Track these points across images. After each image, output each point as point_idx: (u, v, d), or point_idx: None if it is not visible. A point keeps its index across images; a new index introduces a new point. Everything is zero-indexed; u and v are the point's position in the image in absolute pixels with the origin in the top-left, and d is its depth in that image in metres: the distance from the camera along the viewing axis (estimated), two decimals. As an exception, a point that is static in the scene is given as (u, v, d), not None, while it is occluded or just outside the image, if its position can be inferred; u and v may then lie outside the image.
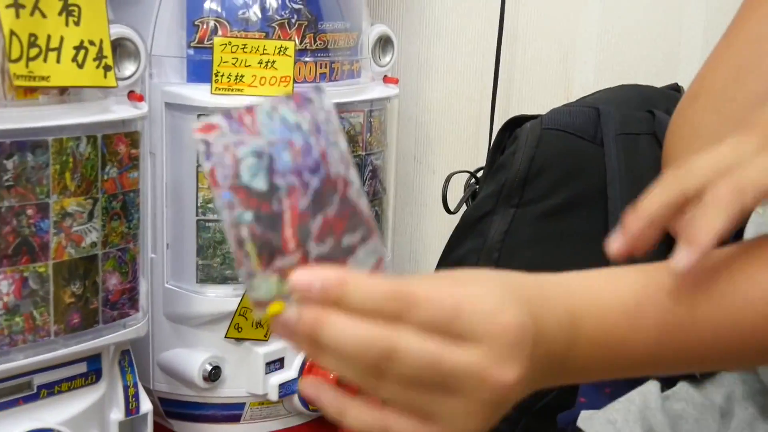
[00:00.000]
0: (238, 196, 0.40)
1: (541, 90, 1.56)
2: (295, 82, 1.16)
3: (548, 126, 1.06)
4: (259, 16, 1.16)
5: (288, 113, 0.42)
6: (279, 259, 0.41)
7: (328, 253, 0.42)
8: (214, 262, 1.19)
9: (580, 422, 0.78)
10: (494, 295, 0.44)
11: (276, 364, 1.23)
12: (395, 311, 0.42)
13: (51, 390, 1.02)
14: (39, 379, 1.01)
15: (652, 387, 0.76)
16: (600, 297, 0.50)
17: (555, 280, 0.50)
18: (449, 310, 0.43)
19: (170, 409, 1.27)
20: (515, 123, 1.13)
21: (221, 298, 1.19)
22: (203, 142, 0.41)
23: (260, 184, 0.41)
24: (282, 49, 1.15)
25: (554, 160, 1.05)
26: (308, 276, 0.41)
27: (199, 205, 1.17)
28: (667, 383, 0.76)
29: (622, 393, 0.79)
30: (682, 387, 0.74)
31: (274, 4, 1.17)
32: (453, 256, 1.14)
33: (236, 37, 1.14)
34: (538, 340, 0.46)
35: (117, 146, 1.02)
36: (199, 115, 1.15)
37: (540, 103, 1.18)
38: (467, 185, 1.28)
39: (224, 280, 1.20)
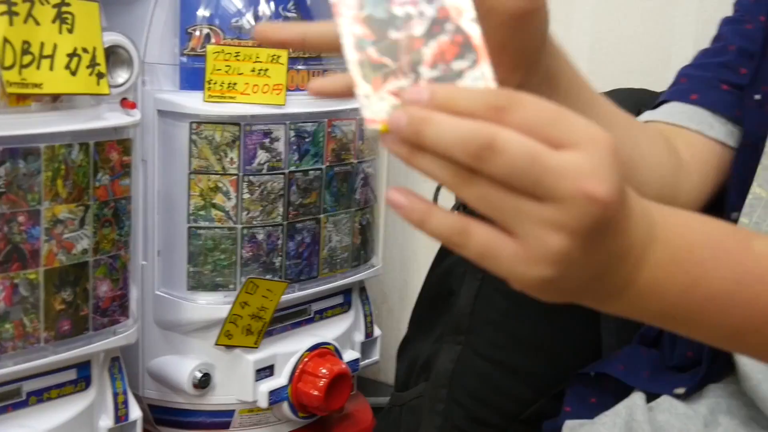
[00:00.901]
0: (360, 25, 0.44)
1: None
2: (287, 90, 1.17)
3: None
4: (253, 23, 1.17)
5: None
6: (393, 82, 0.44)
7: (438, 77, 0.45)
8: (204, 269, 1.19)
9: None
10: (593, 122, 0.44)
11: (266, 371, 1.24)
12: (499, 106, 0.42)
13: (40, 397, 1.02)
14: (28, 386, 1.01)
15: (637, 399, 0.76)
16: (687, 220, 0.50)
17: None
18: (552, 112, 0.42)
19: (160, 416, 1.27)
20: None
21: (212, 305, 1.19)
22: None
23: (381, 13, 0.44)
24: (275, 57, 1.15)
25: None
26: (418, 88, 0.43)
27: (190, 212, 1.17)
28: (651, 396, 0.76)
29: (608, 403, 0.80)
30: (665, 399, 0.75)
31: (267, 12, 1.18)
32: (443, 265, 1.14)
33: (229, 44, 1.15)
34: (628, 196, 0.45)
35: (109, 153, 1.02)
36: (191, 123, 1.15)
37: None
38: (458, 194, 1.29)
39: (215, 287, 1.20)
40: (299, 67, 1.20)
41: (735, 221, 0.75)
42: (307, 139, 1.22)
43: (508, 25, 0.54)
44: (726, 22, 0.82)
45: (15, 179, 0.93)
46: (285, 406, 1.26)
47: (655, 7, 1.48)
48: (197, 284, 1.19)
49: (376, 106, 0.44)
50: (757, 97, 0.74)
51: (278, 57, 1.15)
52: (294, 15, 1.18)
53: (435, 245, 1.20)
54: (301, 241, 1.24)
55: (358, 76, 0.44)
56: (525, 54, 0.56)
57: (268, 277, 1.21)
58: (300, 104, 1.19)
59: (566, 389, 0.85)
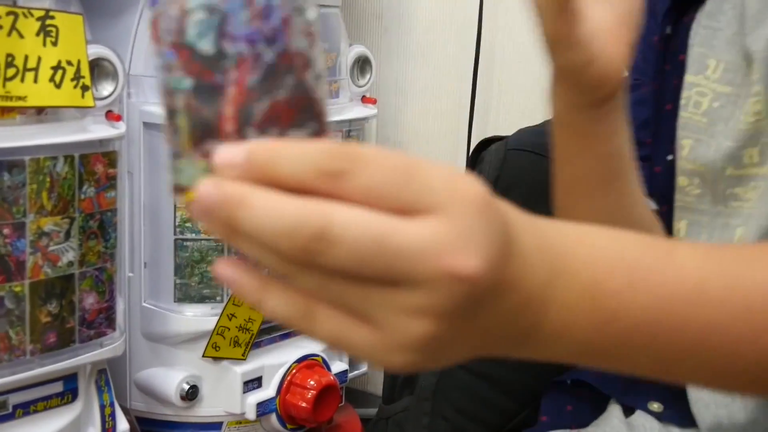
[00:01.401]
0: (179, 57, 0.35)
1: (518, 112, 1.58)
2: (272, 102, 1.17)
3: (513, 146, 1.07)
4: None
5: None
6: (211, 141, 0.35)
7: None
8: (191, 281, 1.19)
9: None
10: (458, 173, 0.36)
11: (254, 383, 1.23)
12: (334, 170, 0.34)
13: (26, 409, 1.02)
14: (14, 399, 1.01)
15: (615, 412, 0.77)
16: (596, 241, 0.42)
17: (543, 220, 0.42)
18: (402, 170, 0.34)
19: (147, 428, 1.26)
20: (486, 145, 1.14)
21: (199, 317, 1.19)
22: None
23: (207, 45, 0.35)
24: (260, 69, 1.16)
25: (519, 180, 1.07)
26: (232, 149, 0.34)
27: (176, 224, 1.18)
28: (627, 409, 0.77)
29: (585, 411, 0.80)
30: (640, 416, 0.75)
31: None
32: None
33: (214, 57, 1.15)
34: (510, 253, 0.37)
35: (94, 166, 1.02)
36: None
37: (518, 124, 1.19)
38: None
39: (202, 299, 1.20)
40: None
41: None
42: (293, 151, 1.23)
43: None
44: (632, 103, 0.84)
45: (0, 192, 0.93)
46: (273, 417, 1.25)
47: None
48: (184, 296, 1.20)
49: (186, 170, 0.35)
50: (670, 157, 0.75)
51: (263, 69, 1.16)
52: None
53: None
54: (287, 253, 1.24)
55: (170, 128, 0.35)
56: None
57: (254, 288, 1.21)
58: (285, 116, 1.20)
59: (542, 397, 0.85)
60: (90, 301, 1.04)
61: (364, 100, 1.35)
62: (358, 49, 1.33)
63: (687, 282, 0.42)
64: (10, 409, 1.00)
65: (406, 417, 1.07)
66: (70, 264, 1.01)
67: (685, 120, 0.71)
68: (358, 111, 1.32)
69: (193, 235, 1.18)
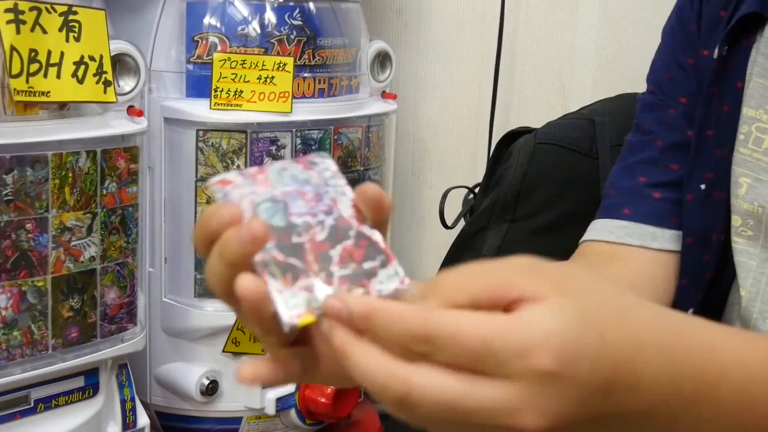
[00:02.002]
0: None
1: (539, 105, 1.57)
2: (293, 97, 1.17)
3: (542, 140, 1.07)
4: (259, 32, 1.17)
5: (297, 171, 0.47)
6: (304, 279, 0.43)
7: (350, 275, 0.44)
8: (212, 277, 1.19)
9: None
10: (543, 322, 0.39)
11: (273, 378, 1.23)
12: (419, 349, 0.40)
13: (48, 404, 1.02)
14: (36, 393, 1.01)
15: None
16: (745, 356, 0.44)
17: (676, 321, 0.44)
18: (477, 349, 0.39)
19: (167, 423, 1.27)
20: (512, 137, 1.13)
21: (219, 313, 1.19)
22: (221, 191, 0.45)
23: (279, 221, 0.44)
24: (281, 64, 1.16)
25: (548, 175, 1.06)
26: (339, 303, 0.41)
27: (197, 219, 1.18)
28: None
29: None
30: None
31: (273, 20, 1.18)
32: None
33: (235, 52, 1.15)
34: (625, 387, 0.40)
35: (116, 161, 1.02)
36: (198, 130, 1.15)
37: (538, 118, 1.19)
38: (465, 200, 1.29)
39: (222, 295, 1.20)
40: (305, 74, 1.20)
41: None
42: (313, 147, 1.22)
43: None
44: (645, 108, 0.78)
45: (22, 187, 0.93)
46: (292, 413, 1.25)
47: (654, 17, 1.49)
48: (204, 291, 1.20)
49: (291, 300, 0.42)
50: (703, 186, 0.71)
51: (284, 65, 1.16)
52: (299, 23, 1.19)
53: (442, 253, 1.20)
54: (307, 248, 1.24)
55: (266, 275, 0.43)
56: None
57: (275, 283, 1.21)
58: (306, 112, 1.20)
59: None
60: (111, 296, 1.04)
61: (384, 95, 1.35)
62: (378, 45, 1.32)
63: None
64: (32, 404, 1.01)
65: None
66: (92, 259, 1.01)
67: (743, 157, 0.67)
68: (378, 106, 1.32)
69: (214, 230, 1.18)
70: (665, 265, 0.74)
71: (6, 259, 0.93)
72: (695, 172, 0.72)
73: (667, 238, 0.74)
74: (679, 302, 0.74)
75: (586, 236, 0.78)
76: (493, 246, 1.09)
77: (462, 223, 1.24)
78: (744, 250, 0.68)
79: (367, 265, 0.44)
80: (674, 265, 0.74)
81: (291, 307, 0.42)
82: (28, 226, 0.94)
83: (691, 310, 0.74)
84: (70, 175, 0.97)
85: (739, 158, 0.68)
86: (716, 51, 0.69)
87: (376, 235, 0.45)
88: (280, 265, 0.43)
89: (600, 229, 0.76)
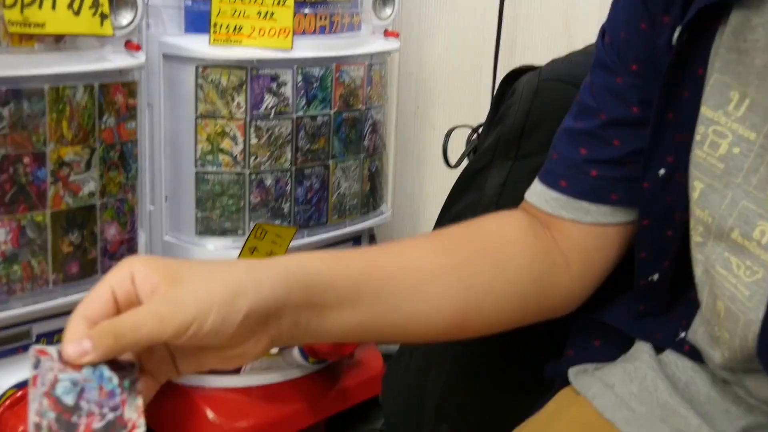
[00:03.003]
0: (49, 400, 0.51)
1: (544, 44, 1.55)
2: (294, 34, 1.15)
3: (546, 77, 1.05)
4: (258, -33, 1.15)
5: (106, 370, 0.54)
6: None
7: None
8: (213, 215, 1.19)
9: (573, 380, 0.77)
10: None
11: (275, 317, 1.24)
12: None
13: (50, 339, 1.03)
14: (38, 328, 1.01)
15: (646, 348, 0.75)
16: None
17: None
18: None
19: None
20: (516, 75, 1.12)
21: (220, 251, 1.19)
22: (36, 357, 0.52)
23: (69, 400, 0.52)
24: (281, 0, 1.14)
25: (552, 112, 1.04)
26: None
27: (197, 157, 1.17)
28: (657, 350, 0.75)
29: (613, 346, 0.79)
30: (670, 353, 0.74)
31: (274, -44, 1.16)
32: (452, 211, 1.13)
33: (235, -13, 1.13)
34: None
35: (114, 96, 1.01)
36: (197, 67, 1.14)
37: (543, 58, 1.17)
38: (469, 140, 1.27)
39: (223, 233, 1.20)
40: (306, 11, 1.18)
41: (653, 282, 0.72)
42: (314, 84, 1.21)
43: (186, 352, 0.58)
44: (599, 65, 0.73)
45: (19, 120, 0.92)
46: (295, 351, 1.26)
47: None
48: (206, 229, 1.19)
49: None
50: (662, 172, 0.68)
51: (284, 0, 1.14)
52: (300, -43, 1.17)
53: (444, 194, 1.19)
54: (309, 187, 1.23)
55: None
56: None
57: (276, 222, 1.20)
58: (307, 48, 1.18)
59: (569, 332, 0.84)
60: (112, 232, 1.04)
61: (387, 33, 1.33)
62: (381, -19, 1.30)
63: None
64: (34, 339, 1.01)
65: (431, 348, 1.07)
66: (92, 194, 1.00)
67: (698, 160, 0.63)
68: (380, 44, 1.30)
69: (214, 168, 1.18)
70: (599, 237, 0.73)
71: (4, 193, 0.93)
72: (654, 157, 0.68)
73: (602, 213, 0.73)
74: (639, 273, 0.73)
75: (527, 196, 0.77)
76: (497, 184, 1.08)
77: (466, 163, 1.23)
78: (694, 255, 0.66)
79: None
80: (612, 234, 0.73)
81: None
82: (26, 160, 0.94)
83: (656, 276, 0.73)
84: (68, 108, 0.96)
85: (695, 160, 0.64)
86: (674, 37, 0.64)
87: None
88: None
89: (538, 194, 0.76)
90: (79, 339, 0.53)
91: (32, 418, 0.51)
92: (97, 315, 0.54)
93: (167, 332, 0.53)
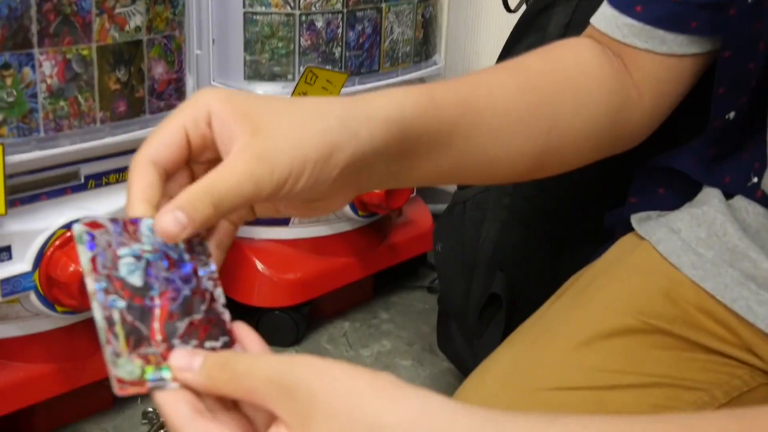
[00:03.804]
0: (113, 285, 0.43)
1: None
2: None
3: None
4: None
5: None
6: (145, 347, 0.43)
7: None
8: (262, 58, 1.14)
9: (637, 226, 0.73)
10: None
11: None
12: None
13: (99, 181, 1.00)
14: (86, 170, 0.99)
15: (715, 193, 0.71)
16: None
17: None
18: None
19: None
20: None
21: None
22: (88, 234, 0.44)
23: (136, 280, 0.44)
24: None
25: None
26: (187, 358, 0.43)
27: (245, -3, 1.12)
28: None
29: (678, 194, 0.75)
30: (741, 198, 0.70)
31: None
32: (512, 54, 1.08)
33: None
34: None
35: (159, -76, 0.96)
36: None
37: None
38: (528, -16, 1.21)
39: (273, 77, 1.15)
40: None
41: (729, 120, 0.68)
42: None
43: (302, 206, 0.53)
44: None
45: (62, -56, 0.88)
46: (347, 207, 1.23)
47: None
48: (254, 74, 1.15)
49: (126, 367, 0.42)
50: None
51: None
52: None
53: (499, 47, 1.13)
54: (361, 31, 1.18)
55: (109, 333, 0.42)
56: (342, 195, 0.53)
57: (327, 67, 1.16)
58: None
59: (633, 180, 0.80)
60: (159, 70, 1.00)
61: None
62: None
63: None
64: (83, 180, 0.99)
65: (485, 198, 1.03)
66: (138, 29, 0.96)
67: None
68: None
69: (263, 8, 1.12)
70: (673, 68, 0.69)
71: (48, 23, 0.89)
72: None
73: (679, 43, 0.68)
74: (715, 111, 0.69)
75: (594, 21, 0.71)
76: (561, 24, 1.02)
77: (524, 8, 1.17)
78: None
79: (208, 344, 0.44)
80: (686, 66, 0.69)
81: (125, 374, 0.42)
82: (70, -12, 0.89)
83: (732, 114, 0.68)
84: (112, -65, 0.91)
85: None
86: None
87: (226, 315, 0.46)
88: (126, 327, 0.43)
89: (608, 19, 0.70)
90: (170, 209, 0.44)
91: (98, 313, 0.42)
92: (169, 162, 0.47)
93: (262, 196, 0.46)
